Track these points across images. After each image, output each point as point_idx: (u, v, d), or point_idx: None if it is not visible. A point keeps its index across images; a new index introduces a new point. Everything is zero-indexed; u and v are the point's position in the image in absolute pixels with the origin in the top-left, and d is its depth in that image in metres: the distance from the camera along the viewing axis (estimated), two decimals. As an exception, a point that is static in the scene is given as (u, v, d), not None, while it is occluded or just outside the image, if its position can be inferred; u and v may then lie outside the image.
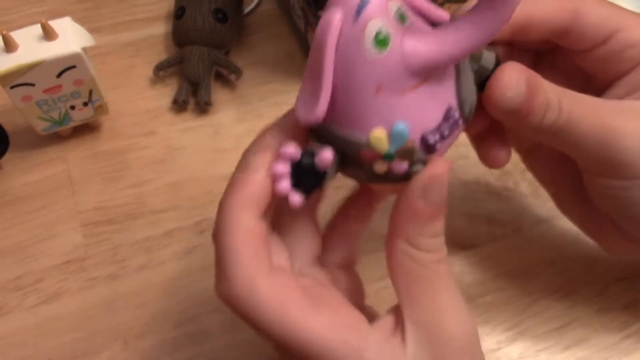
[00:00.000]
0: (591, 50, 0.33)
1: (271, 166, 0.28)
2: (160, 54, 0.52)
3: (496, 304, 0.42)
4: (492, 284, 0.43)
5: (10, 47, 0.40)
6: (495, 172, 0.47)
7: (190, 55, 0.49)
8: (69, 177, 0.47)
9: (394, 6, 0.26)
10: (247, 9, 0.53)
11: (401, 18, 0.26)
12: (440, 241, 0.28)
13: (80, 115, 0.46)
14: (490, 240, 0.45)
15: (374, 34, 0.25)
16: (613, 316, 0.42)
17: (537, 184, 0.46)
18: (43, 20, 0.40)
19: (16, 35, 0.41)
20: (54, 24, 0.41)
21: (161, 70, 0.50)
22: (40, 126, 0.45)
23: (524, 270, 0.43)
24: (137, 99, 0.50)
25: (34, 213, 0.46)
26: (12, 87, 0.41)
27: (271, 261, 0.28)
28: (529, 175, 0.47)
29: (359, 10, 0.25)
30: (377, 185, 0.31)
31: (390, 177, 0.27)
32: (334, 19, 0.25)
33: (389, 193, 0.32)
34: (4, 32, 0.40)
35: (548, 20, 0.32)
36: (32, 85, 0.42)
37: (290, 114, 0.29)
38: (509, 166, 0.47)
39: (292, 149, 0.27)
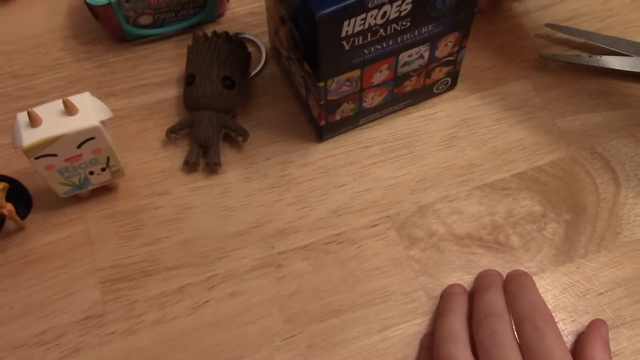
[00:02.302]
0: None
1: None
2: (172, 116, 0.56)
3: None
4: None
5: (34, 122, 0.44)
6: (488, 227, 0.50)
7: (200, 120, 0.52)
8: (88, 236, 0.50)
9: None
10: (252, 72, 0.57)
11: None
12: None
13: (98, 179, 0.49)
14: (482, 292, 0.47)
15: None
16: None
17: (527, 237, 0.49)
18: (65, 98, 0.44)
19: (40, 110, 0.44)
20: (74, 99, 0.45)
21: (173, 133, 0.53)
22: (62, 190, 0.49)
23: (515, 322, 0.46)
24: (150, 160, 0.54)
25: (56, 271, 0.49)
26: (36, 158, 0.45)
27: None
28: (519, 229, 0.50)
29: None
30: None
31: None
32: None
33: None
34: (30, 110, 0.43)
35: None
36: (55, 155, 0.45)
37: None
38: (500, 221, 0.50)
39: None
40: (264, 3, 0.54)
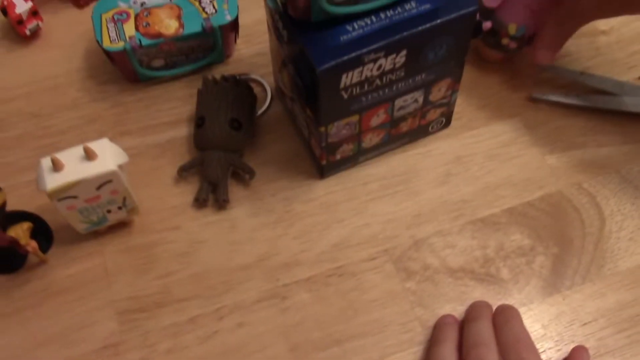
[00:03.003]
0: None
1: None
2: (183, 154, 0.59)
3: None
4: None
5: (57, 167, 0.47)
6: (480, 260, 0.53)
7: (209, 159, 0.56)
8: (105, 269, 0.54)
9: None
10: (258, 112, 0.61)
11: None
12: None
13: (115, 217, 0.53)
14: (474, 323, 0.50)
15: None
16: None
17: (516, 270, 0.52)
18: (85, 145, 0.47)
19: (62, 156, 0.48)
20: (94, 145, 0.48)
21: (184, 172, 0.57)
22: (81, 227, 0.53)
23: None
24: (163, 197, 0.57)
25: (75, 302, 0.52)
26: (59, 200, 0.48)
27: None
28: (509, 262, 0.53)
29: None
30: (493, 51, 0.60)
31: (504, 48, 0.59)
32: None
33: (493, 58, 0.62)
34: (53, 156, 0.47)
35: None
36: (76, 197, 0.49)
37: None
38: (491, 254, 0.53)
39: None
40: (269, 44, 0.58)
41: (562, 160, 0.58)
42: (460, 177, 0.57)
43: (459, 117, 0.60)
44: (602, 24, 0.65)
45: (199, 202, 0.56)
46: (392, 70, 0.48)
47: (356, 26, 0.46)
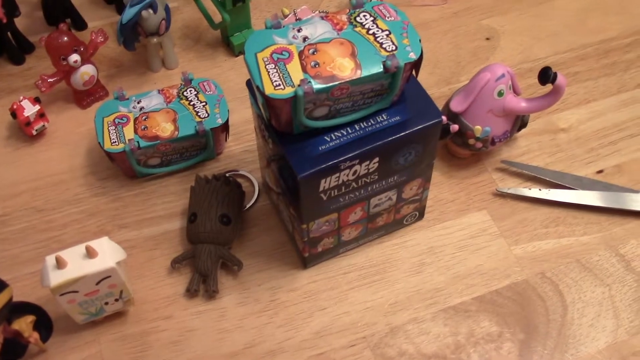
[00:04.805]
0: None
1: None
2: (176, 246, 0.64)
3: None
4: None
5: (60, 265, 0.52)
6: (451, 346, 0.57)
7: (200, 252, 0.60)
8: (101, 358, 0.57)
9: (508, 81, 0.63)
10: (247, 206, 0.65)
11: (509, 87, 0.63)
12: None
13: (112, 308, 0.57)
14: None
15: (499, 90, 0.62)
16: None
17: (485, 356, 0.56)
18: (87, 245, 0.52)
19: (65, 254, 0.52)
20: (94, 243, 0.53)
21: (177, 264, 0.61)
22: (80, 318, 0.56)
23: None
24: (157, 287, 0.61)
25: (73, 390, 0.56)
26: (61, 295, 0.52)
27: None
28: (479, 348, 0.57)
29: (498, 79, 0.62)
30: (460, 149, 0.67)
31: (471, 147, 0.65)
32: (487, 76, 0.62)
33: (462, 155, 0.68)
34: (57, 255, 0.51)
35: None
36: (76, 292, 0.53)
37: None
38: (462, 340, 0.57)
39: None
40: (256, 142, 0.63)
41: (526, 250, 0.63)
42: (433, 266, 0.62)
43: (432, 209, 0.65)
44: (562, 121, 0.72)
45: (190, 293, 0.60)
46: (366, 175, 0.53)
47: (333, 137, 0.52)
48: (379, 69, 0.48)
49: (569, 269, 0.62)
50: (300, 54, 0.49)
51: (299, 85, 0.47)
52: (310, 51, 0.49)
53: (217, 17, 0.76)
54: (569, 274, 0.61)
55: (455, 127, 0.63)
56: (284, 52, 0.49)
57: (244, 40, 0.77)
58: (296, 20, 0.78)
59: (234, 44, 0.77)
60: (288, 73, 0.48)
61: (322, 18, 0.51)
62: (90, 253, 0.52)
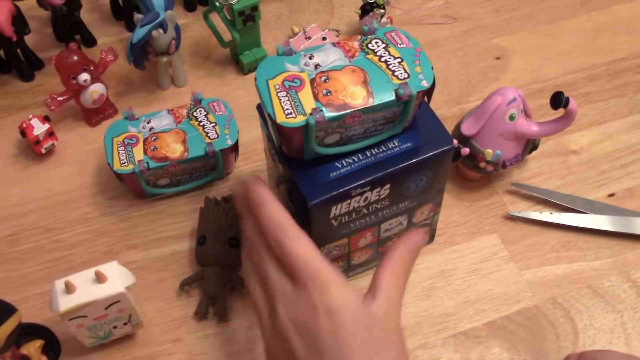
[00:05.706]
0: None
1: None
2: (185, 267, 0.63)
3: None
4: None
5: (70, 290, 0.51)
6: (461, 373, 0.57)
7: (209, 275, 0.60)
8: (109, 382, 0.57)
9: (520, 105, 0.63)
10: (256, 227, 0.65)
11: (521, 111, 0.63)
12: None
13: (120, 332, 0.57)
14: None
15: (510, 114, 0.62)
16: None
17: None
18: (96, 270, 0.52)
19: (74, 279, 0.52)
20: (103, 268, 0.53)
21: (186, 286, 0.61)
22: (88, 342, 0.56)
23: None
24: (165, 309, 0.61)
25: (80, 414, 0.56)
26: (69, 319, 0.52)
27: None
28: (489, 375, 0.56)
29: (509, 103, 0.62)
30: (471, 172, 0.66)
31: (482, 170, 0.64)
32: (498, 100, 0.62)
33: (472, 177, 0.68)
34: (67, 280, 0.51)
35: None
36: (85, 316, 0.53)
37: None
38: (472, 367, 0.57)
39: None
40: (266, 162, 0.63)
41: (537, 275, 0.62)
42: (443, 290, 0.62)
43: (442, 232, 0.65)
44: (573, 143, 0.71)
45: (199, 315, 0.60)
46: (377, 201, 0.53)
47: (345, 163, 0.51)
48: (391, 97, 0.48)
49: (580, 295, 0.61)
50: (312, 81, 0.49)
51: (310, 114, 0.47)
52: (322, 79, 0.49)
53: (227, 35, 0.76)
54: (580, 299, 0.61)
55: (466, 151, 0.63)
56: (295, 80, 0.49)
57: (253, 59, 0.77)
58: (306, 38, 0.78)
59: (244, 62, 0.77)
60: (300, 101, 0.48)
61: (333, 45, 0.51)
62: (99, 278, 0.52)
